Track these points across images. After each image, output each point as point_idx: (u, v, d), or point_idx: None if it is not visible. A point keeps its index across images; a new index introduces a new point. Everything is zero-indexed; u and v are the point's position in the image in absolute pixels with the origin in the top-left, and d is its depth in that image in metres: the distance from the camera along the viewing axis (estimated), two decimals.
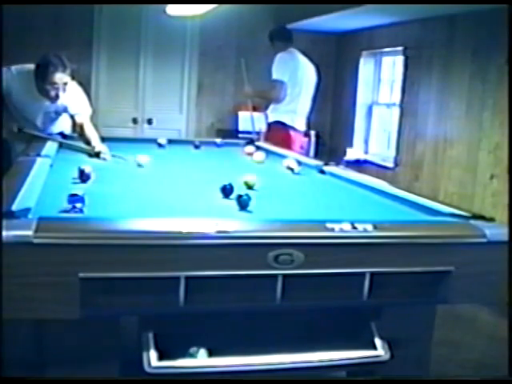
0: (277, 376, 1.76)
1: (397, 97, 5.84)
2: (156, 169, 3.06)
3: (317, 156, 5.88)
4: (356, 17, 5.33)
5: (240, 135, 5.87)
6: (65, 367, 1.69)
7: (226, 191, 2.25)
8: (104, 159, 3.28)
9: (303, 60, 4.95)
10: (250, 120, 5.34)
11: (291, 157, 3.36)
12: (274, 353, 1.71)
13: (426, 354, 2.06)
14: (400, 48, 5.64)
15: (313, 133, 6.41)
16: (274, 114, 4.91)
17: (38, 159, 2.73)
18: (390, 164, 5.81)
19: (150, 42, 6.31)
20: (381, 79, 6.34)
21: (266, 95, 4.96)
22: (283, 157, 3.46)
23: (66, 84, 3.55)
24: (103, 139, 3.64)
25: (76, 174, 2.44)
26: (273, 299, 1.65)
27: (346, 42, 6.66)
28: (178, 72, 6.47)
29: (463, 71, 4.80)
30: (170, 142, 4.09)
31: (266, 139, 4.81)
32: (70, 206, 1.85)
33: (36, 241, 1.45)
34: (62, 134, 3.96)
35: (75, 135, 3.91)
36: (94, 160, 3.21)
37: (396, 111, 5.84)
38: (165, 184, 2.60)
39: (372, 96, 6.40)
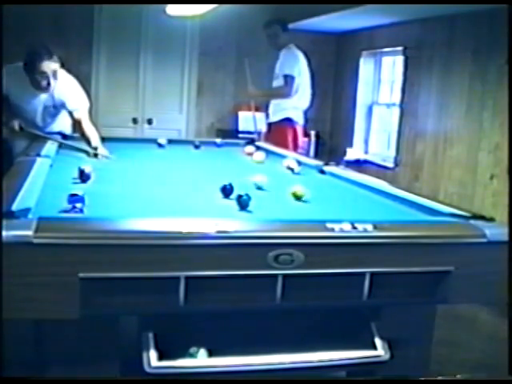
0: (277, 376, 1.76)
1: (397, 97, 5.84)
2: (156, 169, 3.06)
3: (317, 156, 5.88)
4: (356, 17, 5.33)
5: (240, 135, 5.88)
6: (65, 367, 1.69)
7: (226, 191, 2.25)
8: (102, 158, 3.30)
9: (301, 55, 5.01)
10: (252, 120, 5.34)
11: (291, 157, 3.36)
12: (274, 353, 1.71)
13: (426, 354, 2.06)
14: (400, 48, 5.64)
15: (313, 133, 6.42)
16: (282, 111, 4.93)
17: (38, 159, 2.73)
18: (390, 164, 5.81)
19: (150, 42, 6.30)
20: (381, 79, 6.34)
21: (277, 92, 4.96)
22: (283, 157, 3.46)
23: (55, 72, 3.58)
24: (103, 139, 3.64)
25: (76, 173, 2.44)
26: (273, 299, 1.65)
27: (346, 42, 6.66)
28: (177, 72, 6.46)
29: (463, 71, 4.80)
30: (170, 142, 4.09)
31: (271, 138, 4.86)
32: (70, 206, 1.85)
33: (36, 241, 1.45)
34: (61, 134, 3.96)
35: (76, 135, 3.91)
36: (93, 160, 3.22)
37: (396, 111, 5.84)
38: (165, 184, 2.59)
39: (372, 96, 6.40)
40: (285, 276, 1.63)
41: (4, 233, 1.44)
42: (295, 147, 4.91)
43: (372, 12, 5.00)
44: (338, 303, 1.78)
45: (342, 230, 1.67)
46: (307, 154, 5.65)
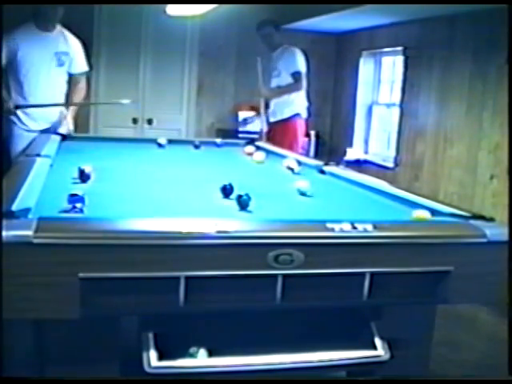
0: (277, 376, 1.76)
1: (397, 97, 5.84)
2: (156, 169, 3.06)
3: (317, 156, 5.88)
4: (356, 17, 5.33)
5: (240, 135, 5.88)
6: (65, 367, 1.69)
7: (226, 191, 2.24)
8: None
9: (300, 52, 5.10)
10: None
11: (291, 157, 3.36)
12: (274, 353, 1.71)
13: (426, 354, 2.06)
14: (400, 48, 5.64)
15: (313, 133, 6.42)
16: (290, 108, 5.03)
17: (38, 159, 2.73)
18: (390, 164, 5.81)
19: (150, 42, 6.30)
20: (381, 79, 6.34)
21: (289, 90, 5.02)
22: (283, 157, 3.46)
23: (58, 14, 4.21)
24: (103, 139, 3.65)
25: (76, 173, 2.44)
26: (273, 299, 1.65)
27: (346, 42, 6.66)
28: (178, 72, 6.46)
29: (463, 71, 4.80)
30: (170, 142, 4.08)
31: (279, 136, 4.94)
32: (70, 206, 1.85)
33: (36, 241, 1.45)
34: (62, 135, 3.97)
35: (76, 135, 3.95)
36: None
37: (396, 111, 5.84)
38: (165, 184, 2.59)
39: (372, 96, 6.40)
40: (285, 276, 1.63)
41: (4, 233, 1.43)
42: (303, 142, 5.16)
43: (372, 12, 5.00)
44: (338, 303, 1.78)
45: (342, 230, 1.67)
46: (307, 154, 5.65)
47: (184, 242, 1.56)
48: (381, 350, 1.78)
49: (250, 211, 2.04)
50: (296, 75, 4.95)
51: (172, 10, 4.62)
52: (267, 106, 5.24)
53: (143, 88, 6.40)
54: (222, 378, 1.69)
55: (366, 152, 6.42)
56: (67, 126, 4.12)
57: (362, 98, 6.39)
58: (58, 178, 2.47)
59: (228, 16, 5.79)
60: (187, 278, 1.57)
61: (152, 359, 1.62)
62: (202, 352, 1.66)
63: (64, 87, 4.40)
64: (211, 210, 2.07)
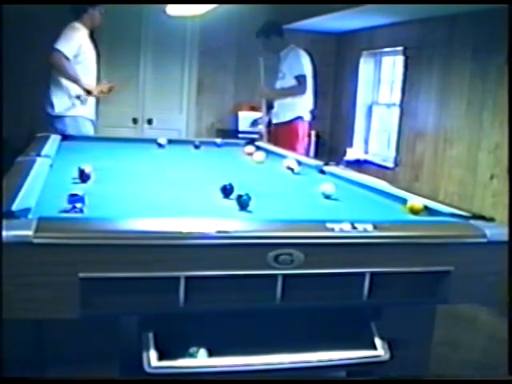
0: (276, 376, 1.76)
1: (397, 97, 5.83)
2: (156, 169, 3.06)
3: (317, 156, 5.87)
4: (356, 17, 5.33)
5: (240, 135, 5.87)
6: (65, 367, 1.69)
7: (226, 191, 2.24)
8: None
9: (305, 54, 5.08)
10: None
11: (291, 157, 3.36)
12: (274, 353, 1.71)
13: (425, 354, 2.06)
14: (400, 48, 5.64)
15: (313, 133, 6.41)
16: (293, 110, 5.02)
17: (38, 159, 2.73)
18: (390, 164, 5.81)
19: (150, 42, 6.30)
20: (381, 79, 6.34)
21: (291, 92, 5.01)
22: (283, 157, 3.46)
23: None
24: (103, 139, 3.65)
25: (76, 173, 2.44)
26: (273, 299, 1.65)
27: (346, 42, 6.66)
28: (178, 72, 6.46)
29: (463, 71, 4.80)
30: (170, 142, 4.08)
31: (280, 137, 4.94)
32: (70, 206, 1.85)
33: (36, 241, 1.45)
34: (63, 135, 3.98)
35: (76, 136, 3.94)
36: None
37: (396, 111, 5.84)
38: (165, 184, 2.59)
39: (372, 96, 6.40)
40: (285, 276, 1.63)
41: (4, 233, 1.44)
42: (304, 144, 5.15)
43: (372, 12, 5.00)
44: (338, 303, 1.78)
45: (342, 230, 1.67)
46: (307, 154, 5.65)
47: (184, 242, 1.56)
48: (381, 350, 1.78)
49: (250, 211, 2.04)
50: (300, 78, 4.94)
51: (172, 9, 4.63)
52: (271, 107, 5.25)
53: (143, 88, 6.40)
54: (222, 378, 1.69)
55: (366, 152, 6.42)
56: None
57: (362, 97, 6.39)
58: (57, 177, 2.47)
59: (228, 16, 5.79)
60: (187, 278, 1.57)
61: (152, 359, 1.62)
62: (202, 352, 1.66)
63: None
64: (211, 210, 2.07)
